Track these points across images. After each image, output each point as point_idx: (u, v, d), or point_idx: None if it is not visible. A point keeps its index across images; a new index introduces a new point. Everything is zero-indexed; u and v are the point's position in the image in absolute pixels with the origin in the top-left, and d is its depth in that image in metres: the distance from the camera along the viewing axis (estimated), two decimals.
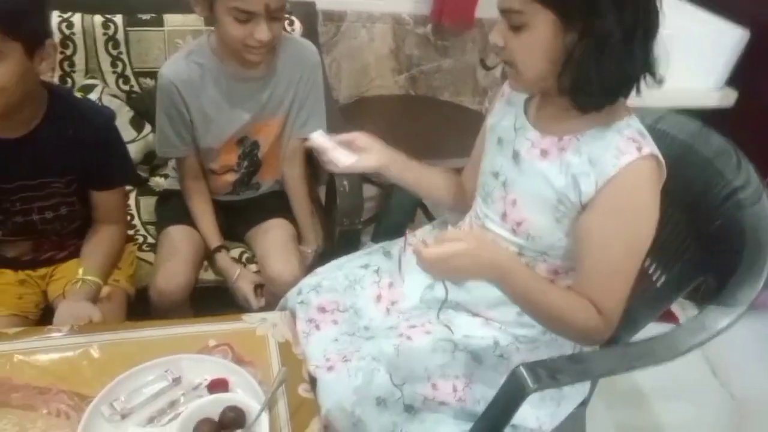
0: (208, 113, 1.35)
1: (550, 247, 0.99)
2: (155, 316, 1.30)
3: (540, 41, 0.85)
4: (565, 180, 0.92)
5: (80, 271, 1.15)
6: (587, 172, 0.90)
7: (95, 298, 1.14)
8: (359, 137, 1.13)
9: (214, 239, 1.42)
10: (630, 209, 0.89)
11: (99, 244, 1.21)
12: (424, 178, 1.20)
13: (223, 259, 1.41)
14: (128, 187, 1.63)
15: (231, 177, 1.48)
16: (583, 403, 1.11)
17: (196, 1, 1.23)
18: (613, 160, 0.87)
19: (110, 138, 1.17)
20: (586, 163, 0.90)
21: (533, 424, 1.03)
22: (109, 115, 1.19)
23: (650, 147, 0.89)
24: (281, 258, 1.38)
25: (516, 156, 1.00)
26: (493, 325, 1.06)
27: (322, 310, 1.15)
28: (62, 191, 1.15)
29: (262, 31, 1.20)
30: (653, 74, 0.88)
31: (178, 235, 1.40)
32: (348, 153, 1.12)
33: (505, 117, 1.06)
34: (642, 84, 0.88)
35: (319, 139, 1.13)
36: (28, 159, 1.09)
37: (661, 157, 0.90)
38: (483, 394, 0.99)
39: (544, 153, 0.96)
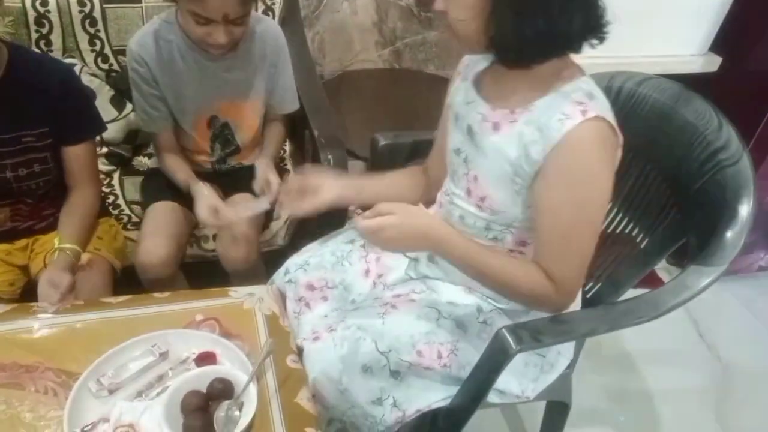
0: (176, 88, 1.36)
1: (513, 219, 0.98)
2: (129, 287, 1.30)
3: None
4: (517, 151, 0.91)
5: (55, 241, 1.16)
6: (536, 140, 0.88)
7: (74, 266, 1.15)
8: (307, 180, 1.11)
9: (192, 179, 1.38)
10: (576, 173, 0.88)
11: (73, 210, 1.23)
12: (383, 191, 1.18)
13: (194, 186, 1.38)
14: (112, 167, 1.63)
15: (207, 158, 1.49)
16: (569, 366, 1.13)
17: None
18: (558, 125, 0.86)
19: (74, 85, 1.21)
20: (535, 131, 0.89)
21: (516, 389, 1.05)
22: (68, 65, 1.23)
23: (597, 109, 0.86)
24: (229, 236, 1.37)
25: (470, 131, 1.00)
26: (476, 294, 1.07)
27: (310, 287, 1.15)
28: (34, 146, 1.16)
29: (219, 36, 1.22)
30: (594, 30, 0.85)
31: (161, 210, 1.40)
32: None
33: (458, 92, 1.05)
34: (586, 43, 0.87)
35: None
36: None
37: (611, 117, 0.87)
38: (468, 360, 1.01)
39: (496, 126, 0.95)
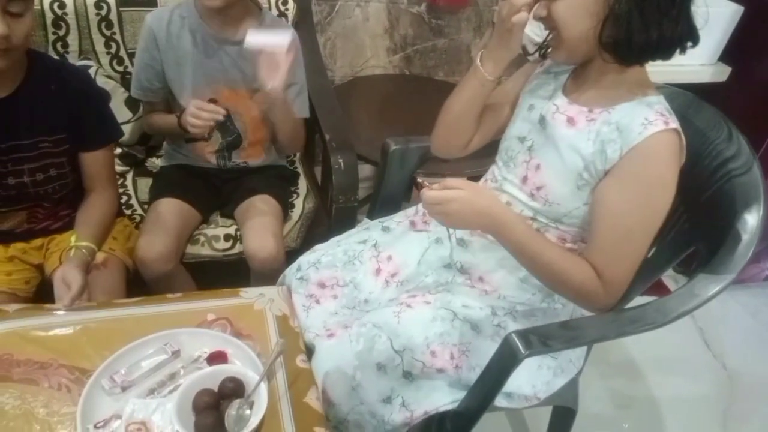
0: (180, 65, 1.39)
1: (565, 214, 1.00)
2: (149, 288, 1.32)
3: (581, 1, 0.88)
4: (593, 147, 0.94)
5: (72, 239, 1.18)
6: (615, 139, 0.91)
7: (88, 264, 1.16)
8: None
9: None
10: (649, 178, 0.91)
11: (90, 211, 1.24)
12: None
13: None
14: (126, 168, 1.65)
15: (208, 149, 1.50)
16: (577, 372, 1.13)
17: None
18: (640, 128, 0.89)
19: (91, 91, 1.22)
20: (614, 130, 0.92)
21: (529, 391, 1.05)
22: (86, 72, 1.25)
23: (676, 124, 0.90)
24: (258, 236, 1.39)
25: (542, 120, 1.03)
26: (492, 296, 1.07)
27: (321, 285, 1.17)
28: (51, 151, 1.17)
29: None
30: (693, 37, 0.90)
31: (163, 206, 1.41)
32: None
33: (543, 86, 1.08)
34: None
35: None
36: (15, 118, 1.11)
37: (683, 136, 0.91)
38: (479, 362, 1.02)
39: (570, 120, 0.98)
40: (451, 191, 0.92)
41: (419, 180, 0.97)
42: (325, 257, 1.21)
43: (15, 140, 1.12)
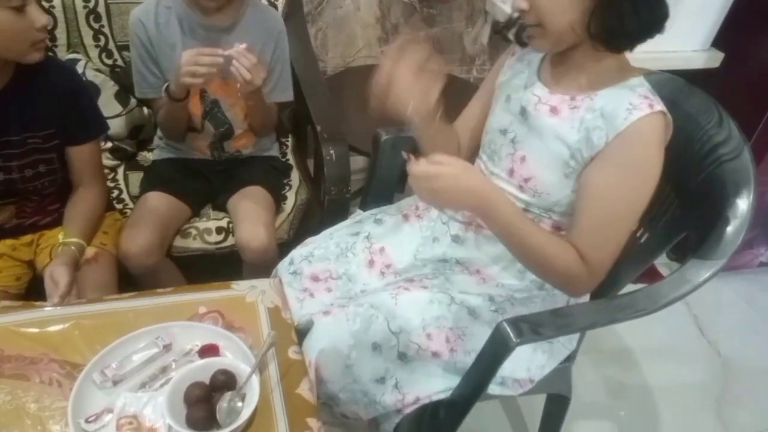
0: (171, 55, 1.38)
1: (555, 203, 1.00)
2: (134, 282, 1.31)
3: None
4: (578, 135, 0.94)
5: (60, 235, 1.18)
6: (600, 125, 0.91)
7: (77, 261, 1.16)
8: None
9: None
10: (635, 162, 0.91)
11: (78, 206, 1.24)
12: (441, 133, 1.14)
13: None
14: (116, 162, 1.64)
15: (202, 141, 1.50)
16: (569, 359, 1.13)
17: None
18: (625, 113, 0.89)
19: (78, 86, 1.22)
20: (599, 117, 0.92)
21: (523, 375, 1.06)
22: (71, 66, 1.25)
23: (661, 105, 0.90)
24: (250, 226, 1.38)
25: (523, 112, 1.02)
26: (490, 283, 1.07)
27: (315, 278, 1.17)
28: (40, 147, 1.17)
29: None
30: (668, 14, 0.89)
31: (149, 201, 1.41)
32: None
33: (517, 75, 1.07)
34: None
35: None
36: (5, 115, 1.11)
37: (669, 115, 0.91)
38: (474, 346, 1.02)
39: (554, 110, 0.97)
40: (438, 166, 0.88)
41: (405, 156, 0.92)
42: (317, 250, 1.20)
43: (4, 136, 1.12)
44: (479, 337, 1.01)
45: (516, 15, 0.99)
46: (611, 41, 0.89)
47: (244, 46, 1.23)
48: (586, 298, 1.09)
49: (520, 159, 1.02)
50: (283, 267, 1.22)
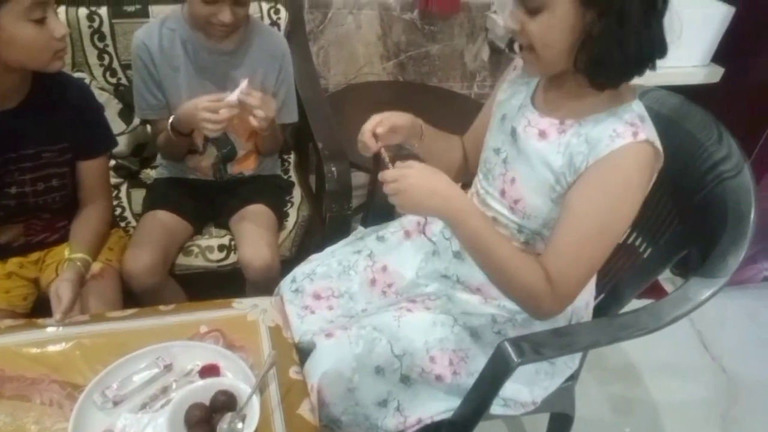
0: (175, 78, 1.39)
1: (544, 226, 0.99)
2: (137, 299, 1.31)
3: (559, 22, 0.84)
4: (562, 159, 0.93)
5: (66, 251, 1.18)
6: (583, 151, 0.90)
7: (83, 276, 1.16)
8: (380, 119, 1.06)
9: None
10: (612, 187, 0.89)
11: (85, 222, 1.25)
12: (437, 144, 1.19)
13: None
14: (120, 180, 1.65)
15: (204, 162, 1.50)
16: (572, 378, 1.13)
17: None
18: (608, 141, 0.87)
19: (90, 100, 1.25)
20: (583, 142, 0.90)
21: (526, 397, 1.05)
22: (83, 81, 1.29)
23: (647, 133, 0.88)
24: (253, 245, 1.38)
25: (513, 133, 1.01)
26: (492, 303, 1.07)
27: (317, 296, 1.17)
28: (54, 161, 1.19)
29: (224, 15, 1.26)
30: (663, 51, 0.87)
31: (151, 219, 1.41)
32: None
33: (515, 95, 1.06)
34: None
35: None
36: (22, 129, 1.13)
37: (658, 143, 0.89)
38: (477, 368, 1.01)
39: (542, 134, 0.96)
40: (407, 168, 0.90)
41: (383, 155, 0.96)
42: (320, 268, 1.21)
43: (20, 150, 1.14)
44: (482, 359, 1.01)
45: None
46: (595, 77, 0.87)
47: (245, 82, 1.23)
48: (590, 316, 1.08)
49: (510, 180, 1.01)
50: (285, 285, 1.22)
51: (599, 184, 0.89)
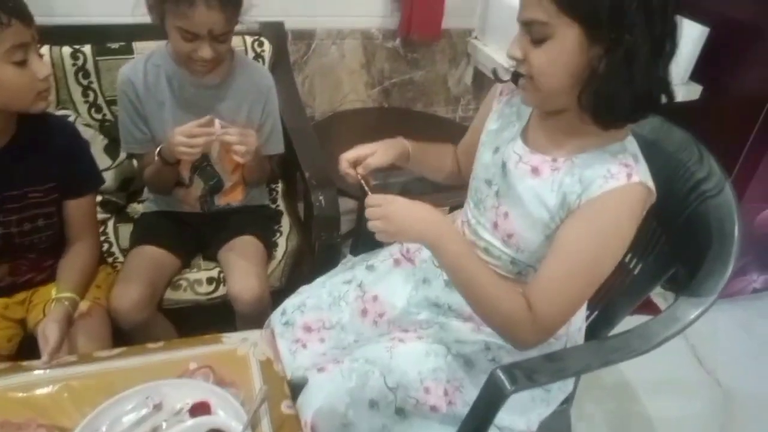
0: (160, 112, 1.40)
1: (537, 260, 0.98)
2: (125, 336, 1.30)
3: (564, 54, 0.82)
4: (556, 198, 0.92)
5: (53, 291, 1.17)
6: (576, 191, 0.89)
7: (71, 316, 1.15)
8: (358, 152, 1.09)
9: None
10: (602, 226, 0.88)
11: (72, 261, 1.24)
12: (429, 159, 1.22)
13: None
14: (107, 215, 1.64)
15: (191, 195, 1.51)
16: (567, 401, 1.12)
17: (150, 9, 1.28)
18: (602, 181, 0.86)
19: (77, 140, 1.25)
20: (577, 182, 0.89)
21: (522, 426, 1.04)
22: (69, 121, 1.30)
23: (641, 174, 0.87)
24: (242, 278, 1.38)
25: (504, 167, 1.00)
26: (484, 331, 1.06)
27: (307, 329, 1.15)
28: (41, 201, 1.19)
29: (204, 51, 1.27)
30: (670, 94, 0.86)
31: (138, 255, 1.41)
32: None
33: (507, 127, 1.04)
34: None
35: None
36: (8, 170, 1.13)
37: (651, 183, 0.89)
38: (471, 398, 1.00)
39: (535, 171, 0.95)
40: (393, 196, 0.92)
41: (363, 183, 0.99)
42: (309, 300, 1.20)
43: (6, 191, 1.14)
44: (477, 387, 0.99)
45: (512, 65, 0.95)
46: (601, 116, 0.85)
47: (217, 123, 1.26)
48: (582, 339, 1.08)
49: (503, 214, 1.00)
50: (275, 318, 1.21)
51: (590, 223, 0.88)
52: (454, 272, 0.92)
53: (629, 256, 1.19)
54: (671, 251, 1.10)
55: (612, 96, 0.82)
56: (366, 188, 1.01)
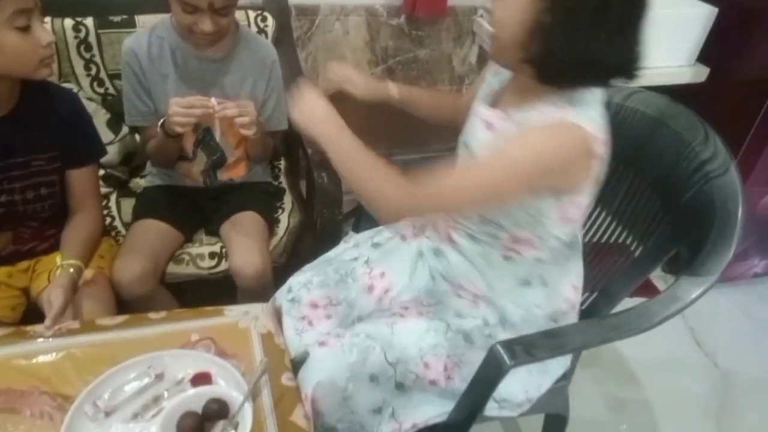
0: (163, 85, 1.39)
1: (499, 214, 0.99)
2: (128, 308, 1.30)
3: (517, 6, 0.85)
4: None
5: (58, 259, 1.18)
6: (513, 132, 0.91)
7: (76, 283, 1.16)
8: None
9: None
10: (521, 147, 0.88)
11: (76, 230, 1.25)
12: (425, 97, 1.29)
13: None
14: (109, 189, 1.64)
15: (194, 169, 1.50)
16: (565, 378, 1.13)
17: None
18: (533, 119, 0.88)
19: (79, 109, 1.25)
20: (515, 127, 0.92)
21: (521, 397, 1.05)
22: (71, 90, 1.30)
23: (575, 117, 0.86)
24: (244, 252, 1.38)
25: (472, 125, 1.04)
26: (481, 306, 1.07)
27: (314, 306, 1.16)
28: (44, 169, 1.19)
29: (205, 24, 1.26)
30: (629, 70, 0.85)
31: (141, 228, 1.41)
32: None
33: (487, 94, 1.07)
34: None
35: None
36: (11, 138, 1.13)
37: (590, 126, 0.86)
38: (470, 373, 1.02)
39: (489, 125, 0.99)
40: (310, 93, 1.04)
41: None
42: (316, 277, 1.20)
43: (9, 159, 1.14)
44: (475, 363, 1.01)
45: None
46: (541, 70, 0.87)
47: (213, 100, 1.25)
48: (575, 318, 1.08)
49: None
50: (281, 295, 1.22)
51: (508, 144, 0.90)
52: (336, 150, 0.98)
53: (629, 237, 1.19)
54: (673, 231, 1.10)
55: (553, 51, 0.83)
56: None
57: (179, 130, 1.27)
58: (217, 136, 1.42)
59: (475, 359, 1.02)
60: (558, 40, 0.82)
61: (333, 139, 0.98)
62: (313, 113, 1.01)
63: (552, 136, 0.86)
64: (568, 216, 0.97)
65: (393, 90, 1.24)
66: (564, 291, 1.07)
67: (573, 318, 1.09)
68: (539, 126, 0.87)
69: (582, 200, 0.96)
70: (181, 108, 1.24)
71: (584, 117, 0.87)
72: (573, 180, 0.91)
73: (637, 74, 0.87)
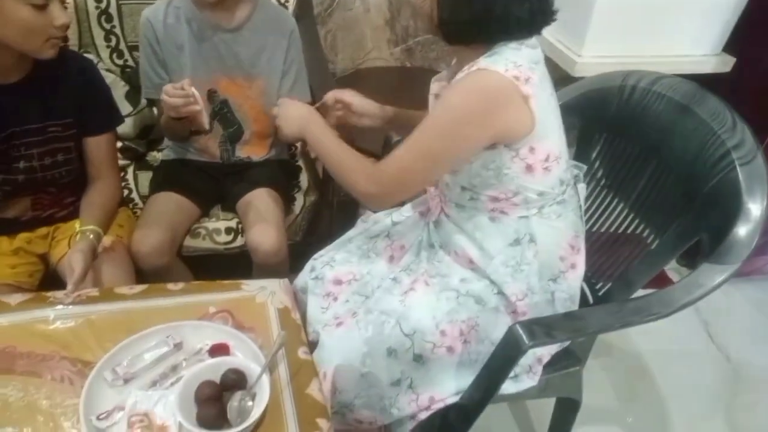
0: (179, 56, 1.39)
1: (468, 176, 1.02)
2: (145, 280, 1.31)
3: None
4: None
5: (76, 225, 1.20)
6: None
7: (95, 248, 1.17)
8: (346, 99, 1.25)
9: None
10: (447, 105, 0.94)
11: (94, 197, 1.26)
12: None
13: None
14: (127, 162, 1.65)
15: (211, 141, 1.50)
16: (579, 362, 1.13)
17: None
18: (461, 73, 0.93)
19: (95, 77, 1.26)
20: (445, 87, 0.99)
21: (530, 359, 1.05)
22: (88, 58, 1.29)
23: (484, 64, 0.91)
24: (261, 228, 1.38)
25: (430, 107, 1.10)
26: (478, 270, 1.06)
27: (338, 282, 1.18)
28: (60, 135, 1.20)
29: None
30: (533, 20, 0.92)
31: (159, 200, 1.42)
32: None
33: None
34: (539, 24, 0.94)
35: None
36: (27, 103, 1.14)
37: (500, 67, 0.90)
38: (486, 334, 1.03)
39: (437, 96, 1.07)
40: (286, 101, 1.19)
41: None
42: (338, 255, 1.22)
43: (26, 125, 1.15)
44: (489, 323, 1.02)
45: None
46: (446, 34, 0.95)
47: (186, 81, 1.21)
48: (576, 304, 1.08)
49: None
50: (304, 275, 1.24)
51: (438, 106, 0.97)
52: (322, 152, 1.09)
53: (649, 226, 1.18)
54: (696, 218, 1.08)
55: (448, 15, 0.92)
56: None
57: (172, 114, 1.26)
58: (235, 107, 1.42)
59: (488, 319, 1.03)
60: (448, 4, 0.92)
61: (316, 138, 1.10)
62: (299, 117, 1.13)
63: (463, 88, 0.93)
64: (531, 164, 0.97)
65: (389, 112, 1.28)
66: (556, 249, 1.05)
67: (575, 281, 1.07)
68: (454, 83, 0.94)
69: (539, 146, 0.96)
70: (167, 96, 1.21)
71: (501, 63, 0.91)
72: (509, 124, 0.93)
73: (539, 26, 0.94)
